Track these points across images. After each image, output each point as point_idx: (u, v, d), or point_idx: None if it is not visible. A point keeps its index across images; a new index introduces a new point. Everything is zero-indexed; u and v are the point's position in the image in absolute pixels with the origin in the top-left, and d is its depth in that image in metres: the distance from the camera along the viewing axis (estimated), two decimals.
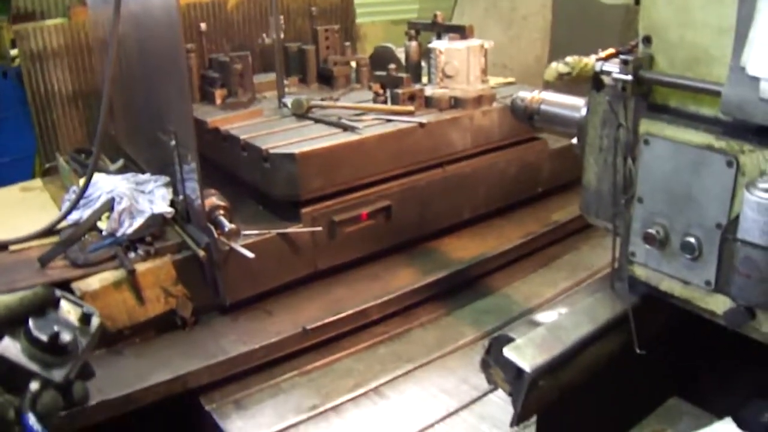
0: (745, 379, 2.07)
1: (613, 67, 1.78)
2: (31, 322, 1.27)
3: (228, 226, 2.62)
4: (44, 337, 1.26)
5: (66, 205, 2.80)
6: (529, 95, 2.43)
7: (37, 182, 3.76)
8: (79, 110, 4.22)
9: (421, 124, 3.12)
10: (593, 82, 1.90)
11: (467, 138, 3.31)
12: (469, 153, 3.36)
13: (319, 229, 2.89)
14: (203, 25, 3.87)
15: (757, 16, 1.48)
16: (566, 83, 2.12)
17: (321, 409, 2.38)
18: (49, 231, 2.74)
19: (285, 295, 2.89)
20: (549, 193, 3.74)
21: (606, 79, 1.82)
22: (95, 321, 1.38)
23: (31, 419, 1.20)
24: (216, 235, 2.61)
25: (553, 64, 2.16)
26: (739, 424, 1.77)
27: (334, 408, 2.39)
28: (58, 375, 1.27)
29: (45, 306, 1.32)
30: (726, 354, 2.00)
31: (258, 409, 2.39)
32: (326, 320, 2.67)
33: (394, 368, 2.57)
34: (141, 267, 2.59)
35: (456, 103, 3.34)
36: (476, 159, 3.40)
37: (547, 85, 2.33)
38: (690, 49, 1.67)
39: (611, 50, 1.84)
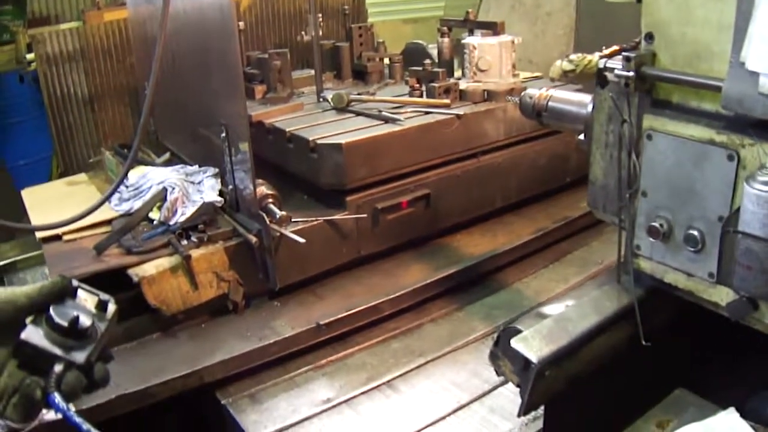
0: (751, 371, 2.09)
1: (616, 63, 1.81)
2: (52, 309, 1.34)
3: (279, 213, 2.72)
4: (65, 323, 1.32)
5: (112, 193, 2.83)
6: (537, 92, 2.45)
7: (82, 176, 3.87)
8: (95, 112, 4.31)
9: (458, 116, 3.22)
10: (597, 79, 1.92)
11: (500, 129, 3.39)
12: (502, 144, 3.45)
13: (364, 216, 2.99)
14: (241, 24, 3.97)
15: (756, 12, 1.50)
16: (571, 80, 2.14)
17: (335, 402, 2.42)
18: (90, 213, 2.74)
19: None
20: (564, 188, 3.77)
21: (610, 76, 1.84)
22: (111, 308, 1.44)
23: (57, 398, 1.28)
24: (268, 222, 2.70)
25: (558, 62, 2.18)
26: (745, 415, 1.79)
27: (347, 401, 2.43)
28: (79, 357, 1.34)
29: (63, 295, 1.38)
30: (731, 345, 2.02)
31: (273, 402, 2.44)
32: (339, 315, 2.72)
33: (406, 362, 2.61)
34: (195, 253, 2.66)
35: (489, 96, 3.43)
36: (508, 150, 3.48)
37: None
38: (691, 45, 1.70)
39: (615, 47, 1.87)
